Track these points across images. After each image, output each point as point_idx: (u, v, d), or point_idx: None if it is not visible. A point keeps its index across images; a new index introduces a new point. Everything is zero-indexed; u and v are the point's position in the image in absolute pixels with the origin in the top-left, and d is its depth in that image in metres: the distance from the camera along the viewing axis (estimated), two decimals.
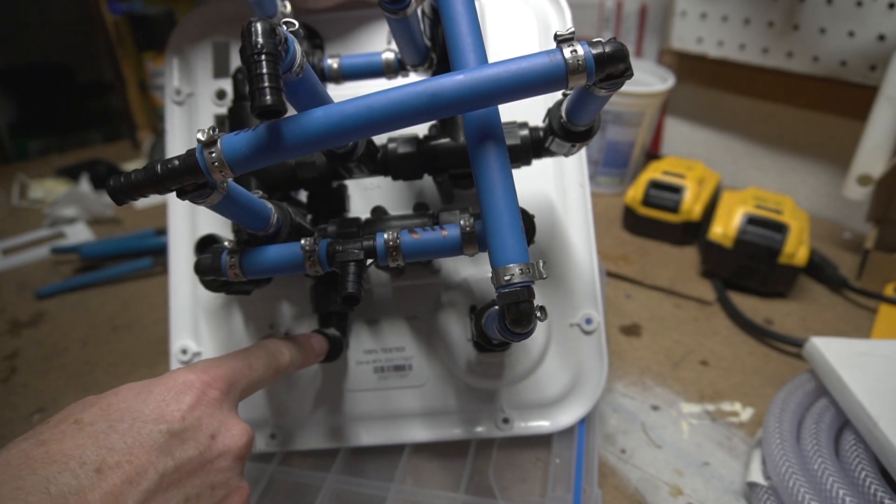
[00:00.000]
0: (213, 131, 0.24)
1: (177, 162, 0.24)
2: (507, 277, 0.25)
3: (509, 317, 0.26)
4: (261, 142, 0.24)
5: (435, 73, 0.37)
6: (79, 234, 0.80)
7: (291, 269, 0.31)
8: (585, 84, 0.24)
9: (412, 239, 0.31)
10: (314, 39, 0.43)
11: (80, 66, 1.92)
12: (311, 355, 0.35)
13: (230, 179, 0.26)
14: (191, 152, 0.24)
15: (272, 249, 0.31)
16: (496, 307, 0.35)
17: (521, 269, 0.25)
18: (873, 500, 0.33)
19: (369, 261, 0.31)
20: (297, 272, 0.31)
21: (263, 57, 0.22)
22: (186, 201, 0.31)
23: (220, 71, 0.45)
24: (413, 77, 0.43)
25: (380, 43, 0.45)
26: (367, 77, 0.38)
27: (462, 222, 0.31)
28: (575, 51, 0.23)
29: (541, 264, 0.26)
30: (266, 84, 0.22)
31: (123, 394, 0.25)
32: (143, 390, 0.25)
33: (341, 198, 0.41)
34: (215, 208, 0.27)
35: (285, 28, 0.23)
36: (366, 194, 0.43)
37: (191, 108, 0.45)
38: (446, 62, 0.36)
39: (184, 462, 0.24)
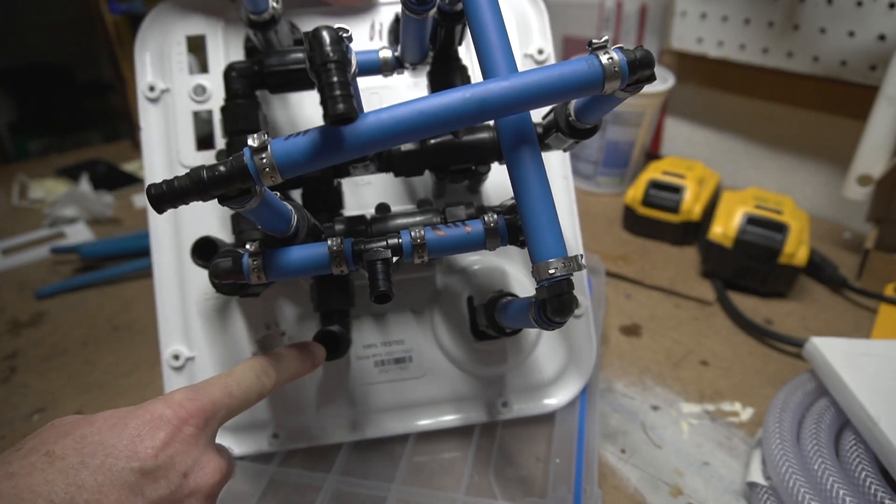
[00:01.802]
0: (265, 136, 0.24)
1: (223, 168, 0.24)
2: (551, 271, 0.27)
3: (552, 307, 0.27)
4: (315, 146, 0.24)
5: (431, 71, 0.38)
6: (79, 234, 0.80)
7: (315, 270, 0.31)
8: (619, 88, 0.25)
9: (437, 236, 0.32)
10: (295, 34, 0.43)
11: (80, 66, 1.92)
12: (304, 367, 0.35)
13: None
14: (238, 157, 0.24)
15: (296, 251, 0.31)
16: (508, 298, 0.36)
17: (563, 264, 0.27)
18: (873, 500, 0.33)
19: (395, 258, 0.31)
20: (320, 272, 0.32)
21: (334, 66, 0.22)
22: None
23: (196, 65, 0.44)
24: (407, 74, 0.44)
25: (362, 37, 0.45)
26: (362, 74, 0.38)
27: (486, 218, 0.32)
28: (612, 57, 0.24)
29: (580, 257, 0.27)
30: (338, 92, 0.22)
31: (98, 424, 0.24)
32: (118, 422, 0.25)
33: (338, 195, 0.41)
34: (250, 213, 0.27)
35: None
36: (357, 190, 0.44)
37: (166, 105, 0.43)
38: (442, 60, 0.37)
39: (154, 502, 0.24)
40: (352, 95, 0.23)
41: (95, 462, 0.23)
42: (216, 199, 0.25)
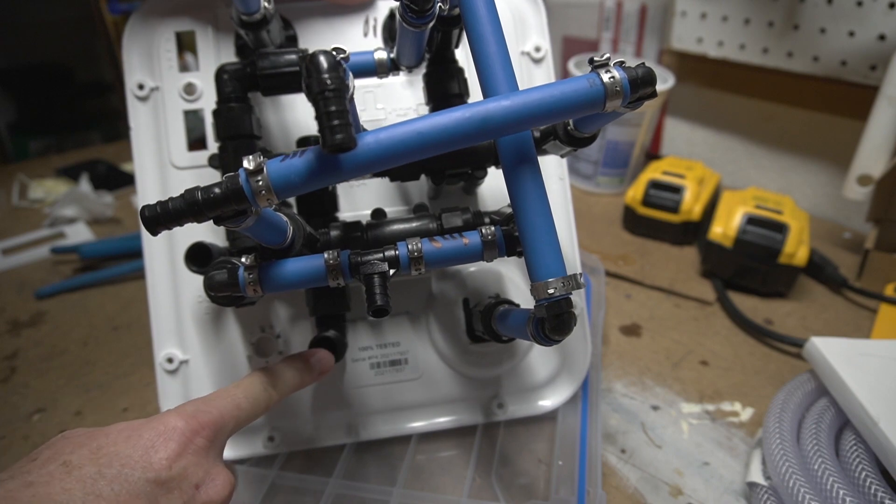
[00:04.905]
0: (260, 158, 0.24)
1: (218, 190, 0.24)
2: (550, 291, 0.26)
3: (550, 325, 0.27)
4: (311, 169, 0.24)
5: (428, 73, 0.38)
6: (79, 234, 0.80)
7: (312, 283, 0.31)
8: (620, 106, 0.25)
9: (434, 248, 0.31)
10: (288, 31, 0.43)
11: (80, 66, 1.92)
12: (311, 376, 0.35)
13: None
14: (232, 179, 0.24)
15: (292, 264, 0.31)
16: (505, 306, 0.36)
17: (562, 283, 0.26)
18: (873, 500, 0.33)
19: (392, 271, 0.31)
20: (317, 284, 0.31)
21: (332, 94, 0.22)
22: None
23: (187, 63, 0.44)
24: (402, 76, 0.43)
25: (355, 34, 0.44)
26: (357, 76, 0.38)
27: (484, 230, 0.32)
28: (613, 76, 0.24)
29: (579, 276, 0.27)
30: (336, 122, 0.22)
31: (114, 436, 0.25)
32: (133, 434, 0.25)
33: (333, 199, 0.41)
34: (246, 229, 0.27)
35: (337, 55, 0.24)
36: (351, 191, 0.44)
37: (156, 103, 0.43)
38: (439, 62, 0.37)
39: None
40: (350, 124, 0.22)
41: (112, 472, 0.23)
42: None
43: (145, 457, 0.24)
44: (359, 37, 0.44)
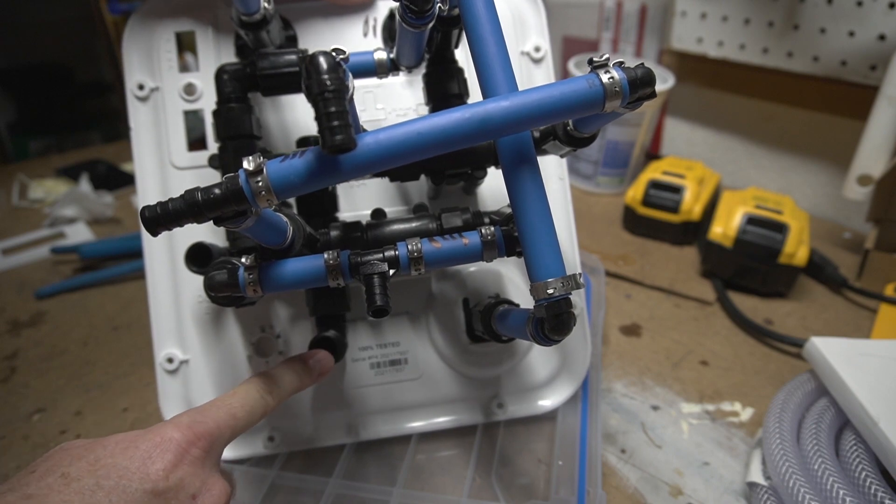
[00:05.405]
0: (259, 158, 0.24)
1: (218, 190, 0.24)
2: (549, 291, 0.26)
3: (550, 325, 0.27)
4: (311, 169, 0.24)
5: (427, 73, 0.38)
6: (79, 234, 0.80)
7: (312, 283, 0.31)
8: (619, 106, 0.25)
9: (433, 248, 0.31)
10: (288, 31, 0.43)
11: (80, 66, 1.92)
12: (310, 379, 0.35)
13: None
14: (232, 180, 0.24)
15: (292, 264, 0.31)
16: (505, 306, 0.36)
17: (562, 283, 0.27)
18: (873, 500, 0.33)
19: (392, 271, 0.31)
20: (317, 285, 0.31)
21: (331, 95, 0.22)
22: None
23: (187, 63, 0.44)
24: (402, 76, 0.43)
25: (355, 34, 0.44)
26: (357, 77, 0.38)
27: (483, 231, 0.32)
28: (612, 76, 0.24)
29: (578, 276, 0.27)
30: (336, 123, 0.22)
31: (111, 447, 0.25)
32: (130, 445, 0.25)
33: (333, 199, 0.41)
34: (245, 230, 0.27)
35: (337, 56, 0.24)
36: (351, 191, 0.44)
37: (156, 104, 0.43)
38: (439, 62, 0.37)
39: None
40: (349, 125, 0.22)
41: (109, 483, 0.23)
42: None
43: (142, 468, 0.24)
44: (359, 37, 0.44)
